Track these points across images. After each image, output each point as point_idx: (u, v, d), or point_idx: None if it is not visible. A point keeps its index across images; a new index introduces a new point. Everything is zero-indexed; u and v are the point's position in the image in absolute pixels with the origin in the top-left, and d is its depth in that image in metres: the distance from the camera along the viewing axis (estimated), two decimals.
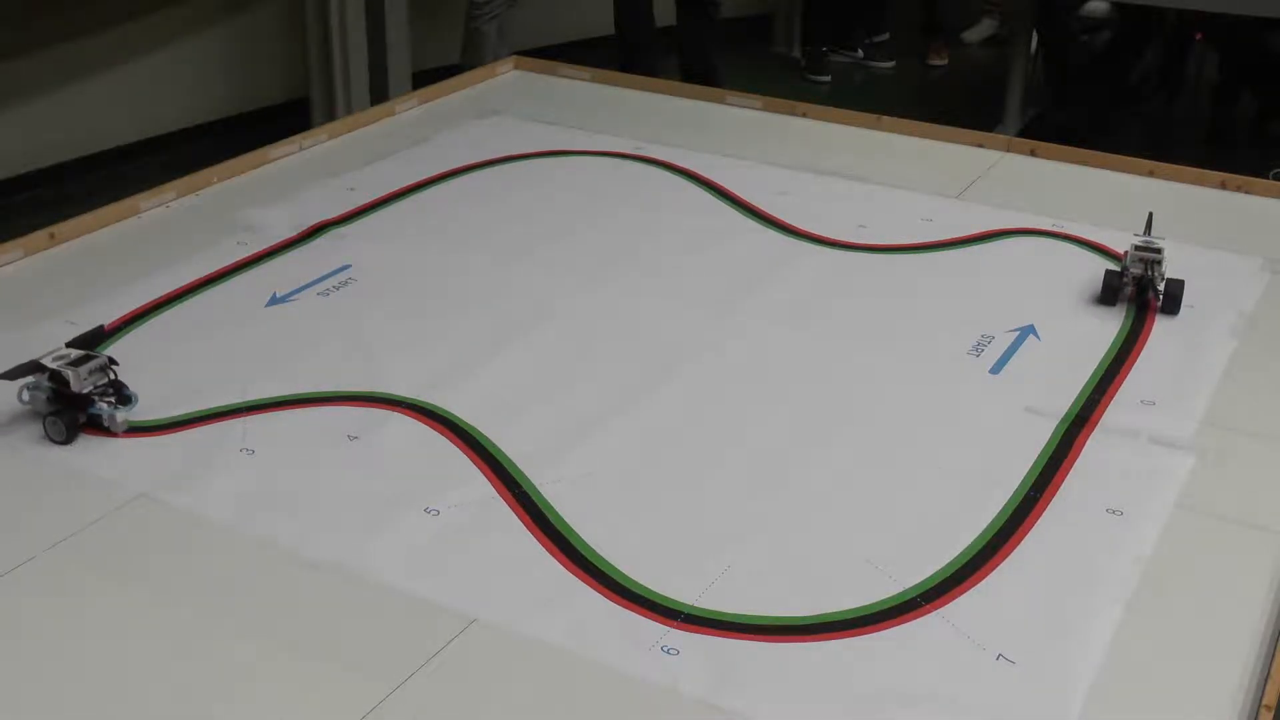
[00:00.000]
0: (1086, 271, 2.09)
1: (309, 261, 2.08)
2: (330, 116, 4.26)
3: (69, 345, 1.66)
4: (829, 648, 1.30)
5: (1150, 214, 2.06)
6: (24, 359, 1.76)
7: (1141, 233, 2.02)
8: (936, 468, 1.60)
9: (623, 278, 2.06)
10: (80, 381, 1.59)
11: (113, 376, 1.63)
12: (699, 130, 2.68)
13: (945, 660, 1.29)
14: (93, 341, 1.71)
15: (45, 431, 1.60)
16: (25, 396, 1.61)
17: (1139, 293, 1.97)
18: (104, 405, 1.60)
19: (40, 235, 2.10)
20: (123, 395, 1.62)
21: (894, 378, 1.79)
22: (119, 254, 2.10)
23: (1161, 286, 1.95)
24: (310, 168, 2.46)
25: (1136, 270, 1.96)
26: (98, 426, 1.61)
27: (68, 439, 1.59)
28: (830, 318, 1.95)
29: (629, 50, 4.77)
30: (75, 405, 1.59)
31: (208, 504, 1.49)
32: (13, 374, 1.62)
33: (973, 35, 6.00)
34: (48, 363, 1.60)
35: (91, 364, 1.61)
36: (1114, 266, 2.00)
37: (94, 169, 4.14)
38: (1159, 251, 1.95)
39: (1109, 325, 1.93)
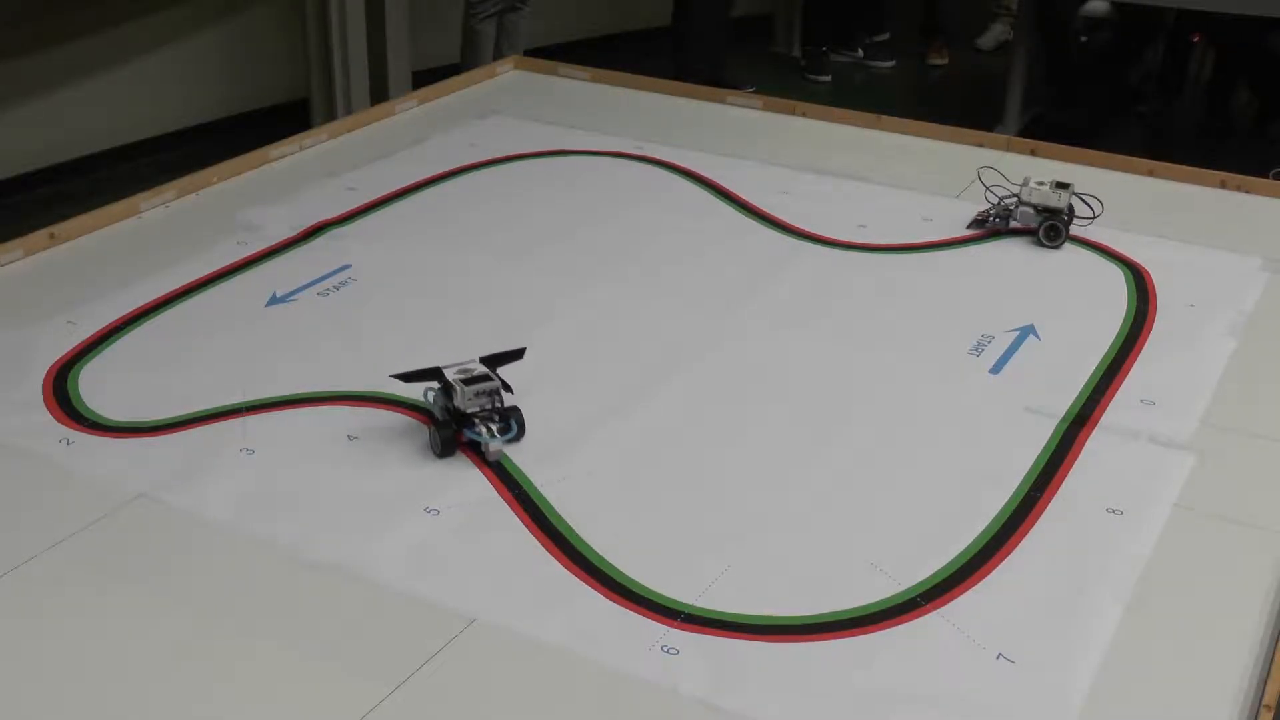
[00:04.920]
0: (1087, 272, 2.10)
1: (309, 261, 2.08)
2: (330, 116, 4.26)
3: (483, 359, 1.61)
4: (829, 648, 1.30)
5: (981, 170, 2.30)
6: (23, 359, 1.76)
7: (1014, 184, 2.22)
8: (937, 468, 1.60)
9: (623, 278, 2.06)
10: (466, 400, 1.55)
11: (499, 403, 1.57)
12: (699, 130, 2.68)
13: (945, 660, 1.28)
14: (504, 360, 1.63)
15: (428, 439, 1.59)
16: (430, 397, 1.60)
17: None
18: (482, 429, 1.55)
19: (40, 235, 2.10)
20: (506, 424, 1.57)
21: (894, 378, 1.79)
22: (119, 254, 2.10)
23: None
24: (310, 168, 2.46)
25: (1063, 204, 2.16)
26: (475, 449, 1.57)
27: (442, 454, 1.56)
28: (830, 318, 1.95)
29: (692, 56, 4.69)
30: (458, 421, 1.56)
31: (207, 504, 1.49)
32: (408, 377, 1.61)
33: (986, 42, 5.96)
34: (448, 374, 1.57)
35: (481, 385, 1.56)
36: (990, 208, 2.24)
37: (94, 169, 4.14)
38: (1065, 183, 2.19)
39: (1109, 325, 1.93)
